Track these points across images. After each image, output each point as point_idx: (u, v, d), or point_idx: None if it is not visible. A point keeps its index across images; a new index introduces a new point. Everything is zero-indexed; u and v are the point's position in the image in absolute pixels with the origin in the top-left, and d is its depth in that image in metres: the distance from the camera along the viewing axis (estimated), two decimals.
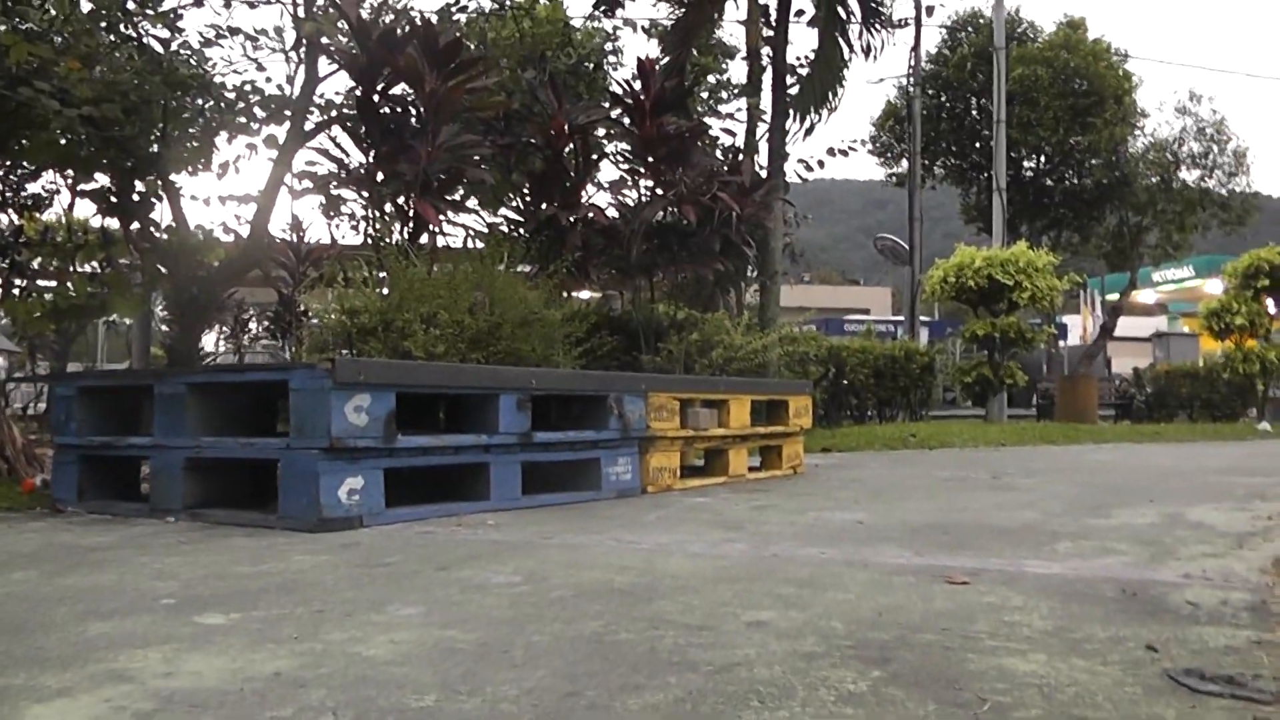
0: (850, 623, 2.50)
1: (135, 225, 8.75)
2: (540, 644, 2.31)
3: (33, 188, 9.57)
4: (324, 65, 9.19)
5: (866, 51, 14.18)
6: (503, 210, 11.48)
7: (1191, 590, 2.92)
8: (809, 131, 13.71)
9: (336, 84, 32.51)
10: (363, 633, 2.43)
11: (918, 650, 2.25)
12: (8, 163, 9.01)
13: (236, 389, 5.07)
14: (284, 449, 4.38)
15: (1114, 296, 32.22)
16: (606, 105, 12.11)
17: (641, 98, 10.56)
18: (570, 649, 2.27)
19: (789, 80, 13.78)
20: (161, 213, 8.88)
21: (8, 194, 9.39)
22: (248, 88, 8.98)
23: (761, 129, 13.72)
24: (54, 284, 10.16)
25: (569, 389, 5.67)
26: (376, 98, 9.23)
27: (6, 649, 2.31)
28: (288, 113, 9.01)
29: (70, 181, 9.17)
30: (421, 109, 9.03)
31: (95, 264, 9.87)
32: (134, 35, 8.38)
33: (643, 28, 16.57)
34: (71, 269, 10.01)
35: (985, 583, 3.03)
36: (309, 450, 4.23)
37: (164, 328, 16.30)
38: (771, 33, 14.04)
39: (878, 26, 14.21)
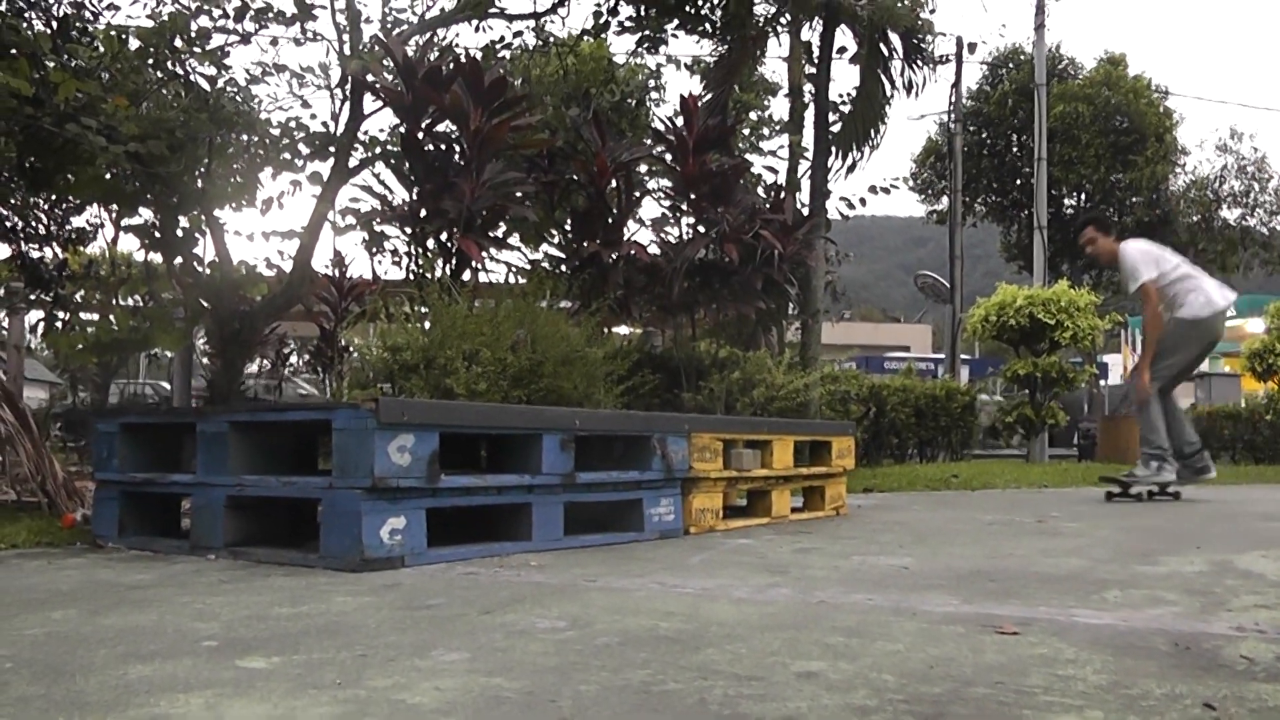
0: (901, 675, 2.46)
1: (178, 260, 8.79)
2: (588, 694, 2.28)
3: (77, 222, 9.65)
4: (369, 102, 9.23)
5: (908, 88, 14.16)
6: (545, 247, 11.49)
7: (1246, 644, 2.87)
8: (851, 169, 13.71)
9: (381, 121, 32.69)
10: (407, 679, 2.41)
11: (972, 705, 2.21)
12: (53, 197, 9.08)
13: (279, 427, 5.07)
14: (326, 488, 4.37)
15: None
16: (649, 142, 12.11)
17: (684, 135, 10.54)
18: (618, 699, 2.24)
19: (831, 117, 13.78)
20: (205, 248, 8.93)
21: (52, 228, 9.47)
22: (292, 124, 9.02)
23: (803, 166, 13.70)
24: (96, 317, 10.23)
25: (612, 429, 5.65)
26: (421, 135, 9.25)
27: (46, 691, 2.30)
28: (332, 149, 9.04)
29: (114, 216, 9.23)
30: (466, 146, 9.04)
31: (138, 298, 9.93)
32: (181, 72, 8.44)
33: (685, 65, 16.67)
34: (114, 303, 10.07)
35: (1036, 633, 2.98)
36: (352, 490, 4.22)
37: (205, 361, 16.40)
38: (814, 70, 14.04)
39: (919, 63, 14.19)
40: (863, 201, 14.10)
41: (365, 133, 9.58)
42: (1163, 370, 9.22)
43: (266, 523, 4.96)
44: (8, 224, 9.12)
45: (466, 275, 9.18)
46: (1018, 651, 2.74)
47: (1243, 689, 2.38)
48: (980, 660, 2.63)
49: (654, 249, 10.83)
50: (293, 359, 21.28)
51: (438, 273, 8.68)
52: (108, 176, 7.98)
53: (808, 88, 14.14)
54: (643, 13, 13.36)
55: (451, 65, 9.36)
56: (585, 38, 14.24)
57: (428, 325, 7.33)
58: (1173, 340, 9.17)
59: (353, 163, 9.32)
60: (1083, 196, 29.36)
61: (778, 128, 17.19)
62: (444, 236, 9.21)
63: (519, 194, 9.74)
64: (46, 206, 9.41)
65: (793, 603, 3.51)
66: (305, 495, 4.66)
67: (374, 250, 10.07)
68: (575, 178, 10.85)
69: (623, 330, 13.33)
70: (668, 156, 11.06)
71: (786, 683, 2.39)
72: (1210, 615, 3.35)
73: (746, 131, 17.62)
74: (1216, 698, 2.29)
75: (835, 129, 13.73)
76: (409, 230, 9.44)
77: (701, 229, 10.66)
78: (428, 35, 10.74)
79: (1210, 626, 3.14)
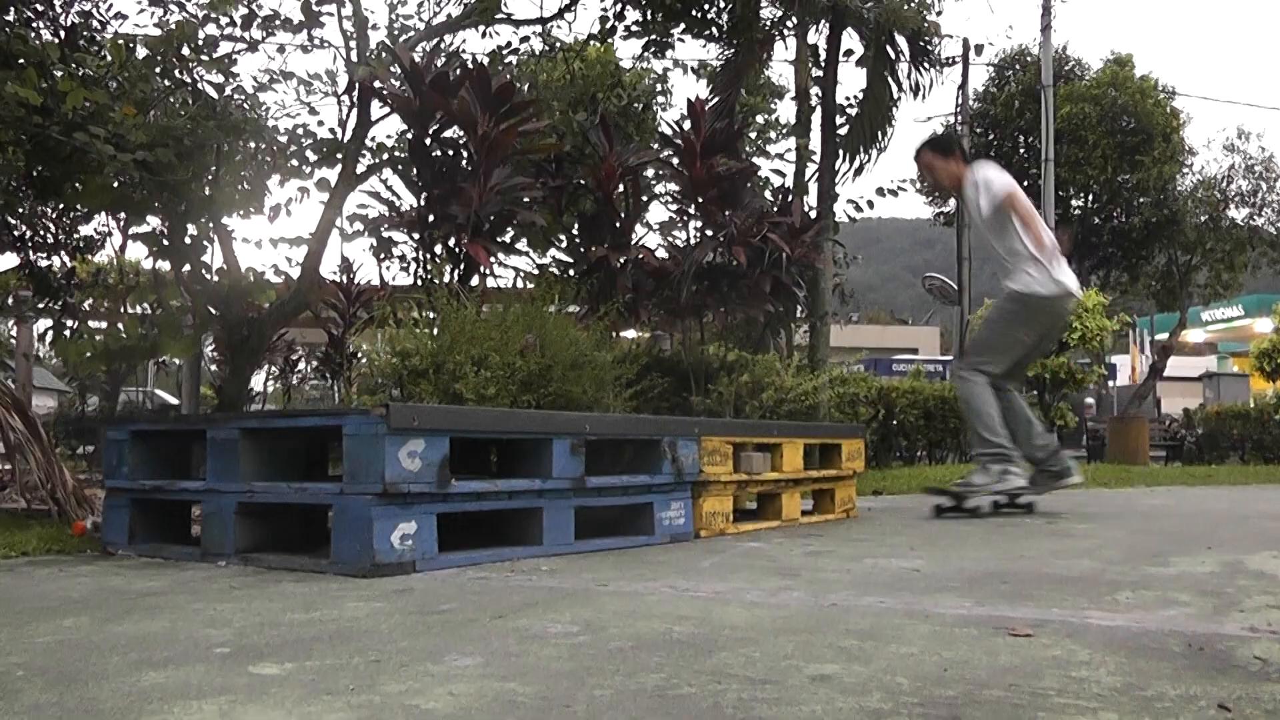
0: (916, 678, 2.45)
1: (186, 267, 8.80)
2: (603, 698, 2.27)
3: (85, 230, 9.66)
4: (376, 109, 9.25)
5: (915, 90, 14.15)
6: (553, 251, 11.50)
7: (1259, 645, 2.86)
8: (858, 171, 13.71)
9: (388, 127, 32.73)
10: (420, 684, 2.40)
11: (986, 708, 2.21)
12: (61, 206, 9.09)
13: (289, 433, 5.07)
14: (337, 494, 4.37)
15: (1163, 336, 32.04)
16: (656, 146, 12.12)
17: (691, 139, 10.54)
18: (633, 703, 2.23)
19: (838, 120, 13.78)
20: (213, 255, 8.96)
21: (61, 236, 9.48)
22: (300, 131, 9.05)
23: (811, 169, 13.71)
24: (105, 325, 10.24)
25: (622, 433, 5.64)
26: (428, 140, 9.26)
27: (59, 700, 2.30)
28: (339, 156, 9.06)
29: (122, 224, 9.24)
30: (473, 152, 9.05)
31: (146, 306, 9.94)
32: (189, 80, 8.45)
33: (692, 69, 16.63)
34: (123, 310, 10.09)
35: (1049, 635, 2.97)
36: (362, 495, 4.21)
37: (214, 368, 16.44)
38: (820, 73, 14.04)
39: (926, 65, 14.19)
40: (870, 204, 14.09)
41: (373, 139, 9.60)
42: (989, 360, 7.61)
43: (277, 529, 4.96)
44: (16, 233, 9.13)
45: (475, 280, 9.19)
46: (1031, 653, 2.73)
47: (1257, 690, 2.37)
48: (994, 662, 2.62)
49: (662, 253, 10.84)
50: (301, 365, 21.32)
51: (446, 278, 8.69)
52: (116, 185, 7.98)
53: (814, 91, 14.14)
54: (649, 17, 13.38)
55: (458, 71, 9.39)
56: (592, 42, 14.25)
57: (436, 330, 7.33)
58: (1009, 317, 7.64)
59: (360, 169, 9.33)
60: (1090, 198, 29.33)
61: (785, 131, 17.16)
62: (452, 242, 9.21)
63: (526, 199, 9.75)
64: (54, 215, 9.42)
65: (805, 606, 3.51)
66: (316, 501, 4.66)
67: (382, 256, 10.07)
68: (583, 182, 10.86)
69: (631, 334, 13.33)
70: (675, 160, 11.05)
71: (800, 686, 2.38)
72: (1223, 616, 3.34)
73: (753, 135, 17.60)
74: (1231, 699, 2.28)
75: (842, 132, 13.74)
76: (417, 236, 9.45)
77: (709, 232, 10.66)
78: (435, 41, 10.76)
79: (1223, 627, 3.13)
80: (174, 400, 27.12)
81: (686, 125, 10.91)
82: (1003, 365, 7.64)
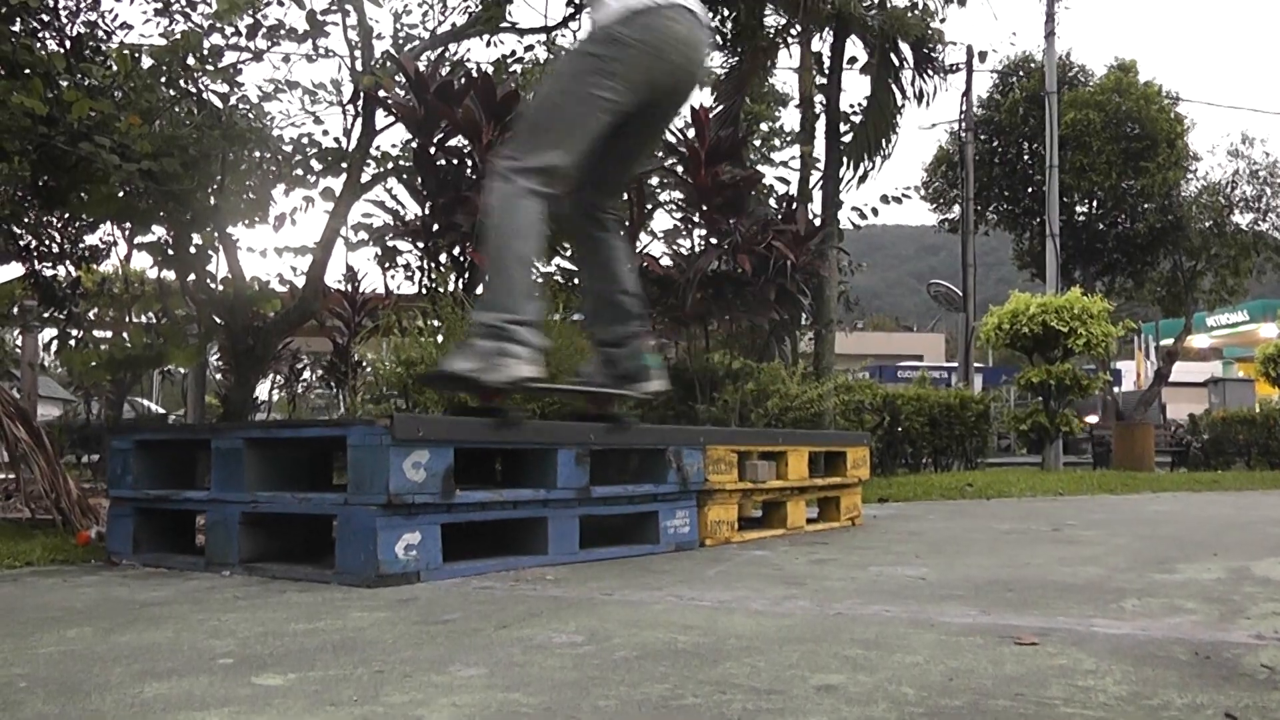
0: (921, 688, 2.44)
1: (191, 277, 8.80)
2: (607, 708, 2.27)
3: (90, 240, 9.67)
4: (381, 118, 9.25)
5: (919, 98, 14.24)
6: (557, 260, 11.51)
7: (1266, 653, 2.85)
8: (863, 178, 13.77)
9: (393, 136, 32.74)
10: (424, 695, 2.40)
11: (991, 717, 2.20)
12: (66, 215, 9.10)
13: (293, 443, 5.06)
14: (342, 504, 4.35)
15: (1168, 342, 32.01)
16: (660, 154, 12.14)
17: (696, 146, 10.55)
18: (637, 714, 2.23)
19: (842, 127, 13.81)
20: (218, 264, 8.95)
21: (66, 246, 9.49)
22: (305, 140, 9.05)
23: (815, 176, 13.73)
24: (110, 334, 10.26)
25: (627, 442, 5.62)
26: (433, 149, 9.28)
27: (61, 710, 2.29)
28: (344, 165, 9.06)
29: (127, 234, 9.25)
30: (478, 160, 9.05)
31: (151, 315, 9.95)
32: (194, 90, 8.46)
33: None
34: (128, 320, 10.10)
35: (1055, 643, 2.96)
36: (367, 506, 4.21)
37: (219, 377, 16.44)
38: (824, 80, 14.07)
39: (930, 73, 14.26)
40: (875, 211, 14.15)
41: (378, 148, 9.60)
42: (554, 149, 4.56)
43: (281, 539, 4.95)
44: (21, 242, 9.15)
45: (479, 289, 9.19)
46: (1037, 662, 2.72)
47: (1264, 698, 2.37)
48: (1000, 671, 2.61)
49: (667, 261, 10.86)
50: (306, 374, 21.31)
51: (450, 286, 8.70)
52: (121, 194, 7.99)
53: (819, 98, 14.17)
54: None
55: (463, 80, 9.41)
56: None
57: (441, 339, 7.33)
58: (589, 68, 4.57)
59: (365, 178, 9.34)
60: (1094, 204, 29.39)
61: (789, 138, 17.26)
62: (456, 250, 9.22)
63: None
64: (60, 225, 9.44)
65: (810, 615, 3.50)
66: (320, 511, 4.65)
67: (387, 265, 10.10)
68: None
69: None
70: (679, 168, 11.07)
71: (806, 696, 2.37)
72: (1229, 623, 3.33)
73: (758, 143, 17.67)
74: (1238, 707, 2.28)
75: (847, 139, 13.79)
76: (421, 245, 9.47)
77: (714, 240, 10.67)
78: (439, 50, 10.77)
79: (1229, 635, 3.12)
80: (160, 410, 27.09)
81: (691, 133, 10.92)
82: (574, 153, 4.62)
